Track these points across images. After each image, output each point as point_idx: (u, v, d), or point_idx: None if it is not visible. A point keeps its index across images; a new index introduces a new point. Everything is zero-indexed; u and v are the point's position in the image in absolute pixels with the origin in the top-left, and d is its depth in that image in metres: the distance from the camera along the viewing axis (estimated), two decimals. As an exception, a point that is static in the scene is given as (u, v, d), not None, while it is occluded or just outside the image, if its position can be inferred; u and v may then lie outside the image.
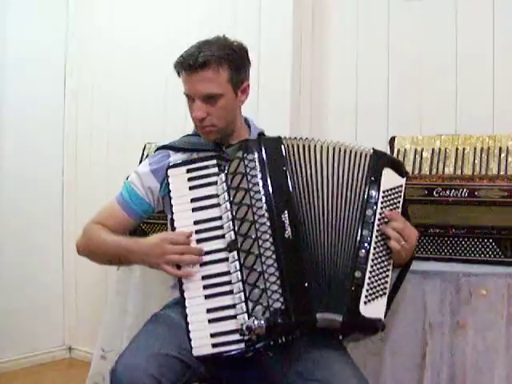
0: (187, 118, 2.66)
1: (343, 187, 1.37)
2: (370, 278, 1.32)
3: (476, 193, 1.75)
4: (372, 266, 1.33)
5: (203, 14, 2.70)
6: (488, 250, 1.76)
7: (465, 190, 1.77)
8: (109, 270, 2.90)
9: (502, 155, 1.86)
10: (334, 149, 1.40)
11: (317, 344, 1.37)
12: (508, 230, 1.72)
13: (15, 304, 2.93)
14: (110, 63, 3.07)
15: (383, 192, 1.37)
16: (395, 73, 2.29)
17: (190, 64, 1.47)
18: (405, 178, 1.43)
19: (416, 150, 1.99)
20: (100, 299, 2.91)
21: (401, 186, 1.41)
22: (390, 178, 1.39)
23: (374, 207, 1.35)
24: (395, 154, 2.02)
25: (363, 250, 1.33)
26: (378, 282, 1.33)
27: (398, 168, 1.43)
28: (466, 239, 1.78)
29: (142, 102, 2.94)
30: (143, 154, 2.57)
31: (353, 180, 1.38)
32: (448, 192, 1.79)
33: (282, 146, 1.37)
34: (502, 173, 1.83)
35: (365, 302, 1.30)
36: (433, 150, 1.97)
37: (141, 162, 2.36)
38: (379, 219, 1.35)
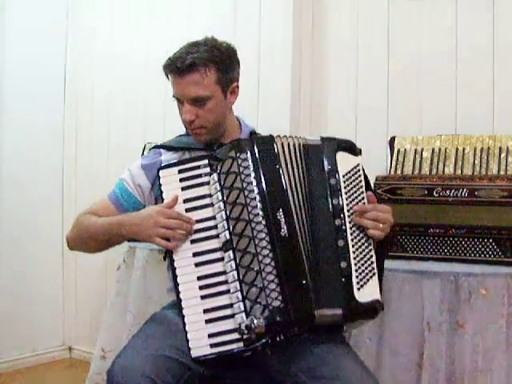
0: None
1: (311, 183, 1.37)
2: (356, 264, 1.32)
3: (476, 193, 1.76)
4: (354, 252, 1.33)
5: (203, 14, 2.70)
6: (488, 249, 1.76)
7: (465, 189, 1.77)
8: (109, 269, 2.90)
9: (502, 155, 1.86)
10: (304, 145, 1.40)
11: (320, 340, 1.37)
12: (508, 230, 1.72)
13: (15, 304, 2.93)
14: (111, 64, 3.08)
15: (343, 177, 1.37)
16: (395, 73, 2.29)
17: (178, 67, 1.48)
18: (360, 156, 1.41)
19: (416, 150, 1.99)
20: (100, 299, 2.91)
21: (358, 164, 1.40)
22: (345, 161, 1.39)
23: (339, 194, 1.35)
24: (395, 154, 2.02)
25: (341, 240, 1.33)
26: (365, 264, 1.33)
27: (351, 148, 1.41)
28: (466, 239, 1.78)
29: (142, 103, 2.94)
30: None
31: (317, 174, 1.37)
32: (448, 192, 1.79)
33: (275, 145, 1.37)
34: (502, 173, 1.83)
35: (358, 289, 1.30)
36: (433, 149, 1.97)
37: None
38: (347, 204, 1.35)
